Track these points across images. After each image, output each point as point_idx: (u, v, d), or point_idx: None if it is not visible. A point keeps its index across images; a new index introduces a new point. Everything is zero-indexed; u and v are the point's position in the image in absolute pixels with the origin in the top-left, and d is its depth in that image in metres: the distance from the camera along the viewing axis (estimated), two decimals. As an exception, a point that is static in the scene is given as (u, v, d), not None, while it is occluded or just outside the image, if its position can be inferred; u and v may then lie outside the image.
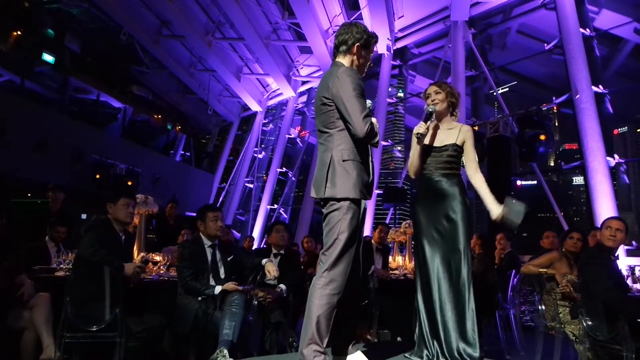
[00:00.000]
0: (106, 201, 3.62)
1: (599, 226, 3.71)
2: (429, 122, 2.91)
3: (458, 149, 2.95)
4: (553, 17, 9.57)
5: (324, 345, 2.39)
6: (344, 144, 2.53)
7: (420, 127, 2.86)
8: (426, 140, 2.99)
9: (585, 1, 9.42)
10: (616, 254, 3.64)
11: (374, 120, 2.54)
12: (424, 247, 2.89)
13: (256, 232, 15.32)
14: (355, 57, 2.66)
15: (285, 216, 16.52)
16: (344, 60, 2.66)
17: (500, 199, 2.86)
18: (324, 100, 2.57)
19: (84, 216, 9.32)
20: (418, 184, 3.08)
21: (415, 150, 3.00)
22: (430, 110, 2.94)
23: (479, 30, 11.54)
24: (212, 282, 3.62)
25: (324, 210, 2.55)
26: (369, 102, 2.64)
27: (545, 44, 9.98)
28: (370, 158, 2.64)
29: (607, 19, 9.93)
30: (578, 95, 8.39)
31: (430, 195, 2.95)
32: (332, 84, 2.52)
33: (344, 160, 2.51)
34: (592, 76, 8.58)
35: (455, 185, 2.92)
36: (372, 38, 2.70)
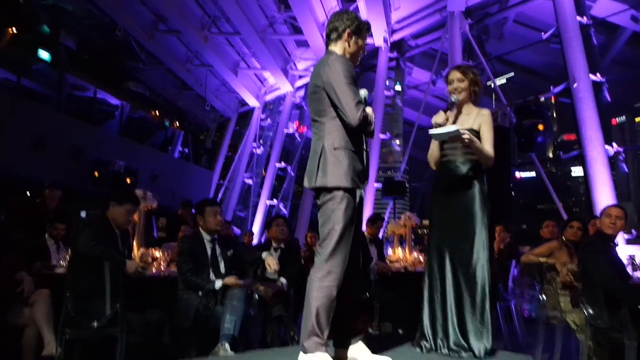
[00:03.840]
0: (112, 199, 3.57)
1: (599, 214, 3.71)
2: (448, 112, 2.83)
3: (475, 134, 2.85)
4: (550, 5, 9.54)
5: (325, 337, 2.38)
6: (336, 132, 2.50)
7: (439, 117, 2.79)
8: None
9: (582, -11, 9.39)
10: (616, 242, 3.64)
11: (369, 109, 2.51)
12: (437, 234, 2.84)
13: (256, 228, 15.33)
14: (347, 44, 2.62)
15: (285, 211, 16.52)
16: (336, 48, 2.63)
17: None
18: (315, 88, 2.55)
19: (83, 214, 9.31)
20: (436, 172, 3.01)
21: (435, 140, 2.91)
22: (452, 100, 2.85)
23: (476, 20, 11.49)
24: (212, 277, 3.61)
25: (318, 201, 2.52)
26: (364, 92, 2.60)
27: (542, 33, 9.96)
28: (364, 146, 2.60)
29: (603, 7, 9.91)
30: (576, 84, 8.38)
31: (447, 182, 2.89)
32: (323, 72, 2.50)
33: (335, 149, 2.47)
34: (590, 64, 8.57)
35: (472, 171, 2.84)
36: (363, 24, 2.66)
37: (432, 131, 2.73)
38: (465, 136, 2.72)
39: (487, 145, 2.87)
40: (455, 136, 2.72)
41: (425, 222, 4.99)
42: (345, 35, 2.61)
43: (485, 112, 2.94)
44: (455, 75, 2.93)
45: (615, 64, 11.47)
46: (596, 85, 8.53)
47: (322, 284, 2.41)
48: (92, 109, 14.30)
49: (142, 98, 15.63)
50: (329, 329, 2.42)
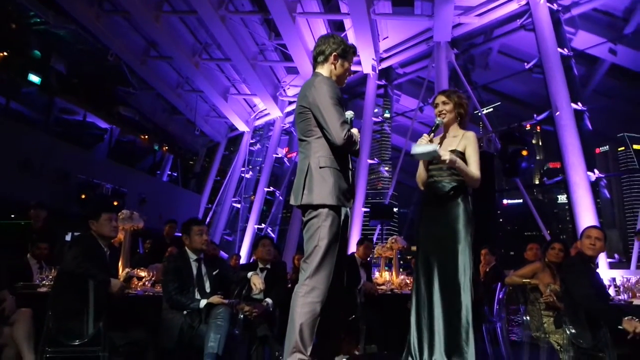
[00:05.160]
0: (88, 218, 3.58)
1: (579, 236, 3.78)
2: (432, 135, 2.90)
3: (460, 155, 2.92)
4: (532, 37, 9.86)
5: (308, 354, 2.39)
6: (321, 152, 2.57)
7: (422, 140, 2.86)
8: None
9: (563, 22, 9.73)
10: (596, 263, 3.70)
11: (354, 130, 2.59)
12: (423, 253, 2.90)
13: (243, 252, 15.21)
14: (333, 67, 2.72)
15: (273, 236, 16.46)
16: (322, 70, 2.73)
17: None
18: (302, 109, 2.63)
19: (68, 237, 9.19)
20: (423, 192, 3.09)
21: (422, 162, 3.01)
22: (437, 122, 2.97)
23: (462, 50, 11.81)
24: (197, 296, 3.59)
25: (304, 219, 2.57)
26: (349, 113, 2.69)
27: (525, 63, 10.25)
28: (349, 165, 2.67)
29: (583, 39, 10.25)
30: (558, 112, 8.60)
31: (432, 202, 2.97)
32: (309, 93, 2.58)
33: (320, 167, 2.54)
34: (571, 94, 8.82)
35: (457, 191, 2.91)
36: (349, 48, 2.77)
37: (412, 150, 2.81)
38: (445, 157, 2.78)
39: (473, 166, 2.94)
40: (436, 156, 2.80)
41: (413, 248, 5.03)
42: (332, 58, 2.71)
43: (470, 135, 3.03)
44: (440, 99, 3.06)
45: (595, 94, 11.80)
46: (578, 114, 8.77)
47: (306, 300, 2.43)
48: (81, 132, 14.29)
49: (131, 122, 15.68)
50: (313, 346, 2.43)
